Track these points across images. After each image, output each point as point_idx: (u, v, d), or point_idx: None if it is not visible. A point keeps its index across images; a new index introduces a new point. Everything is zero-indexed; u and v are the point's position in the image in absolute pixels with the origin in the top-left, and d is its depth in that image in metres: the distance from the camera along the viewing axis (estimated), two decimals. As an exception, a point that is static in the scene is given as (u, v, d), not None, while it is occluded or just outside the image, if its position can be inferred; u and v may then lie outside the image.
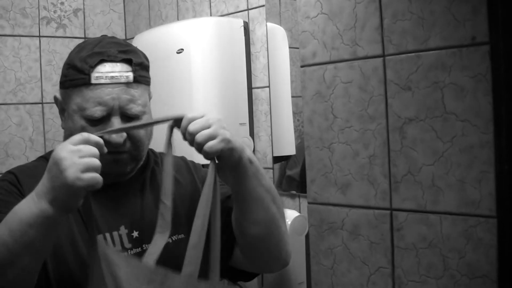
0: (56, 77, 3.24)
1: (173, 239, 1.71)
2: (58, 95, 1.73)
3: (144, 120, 1.68)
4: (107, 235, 1.68)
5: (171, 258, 1.61)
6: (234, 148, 1.52)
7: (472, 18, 1.36)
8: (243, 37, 2.59)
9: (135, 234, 1.70)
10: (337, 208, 1.63)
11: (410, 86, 1.47)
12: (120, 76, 1.63)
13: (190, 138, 1.50)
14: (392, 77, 1.50)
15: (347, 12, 1.58)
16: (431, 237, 1.46)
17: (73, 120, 1.65)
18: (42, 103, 3.20)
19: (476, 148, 1.37)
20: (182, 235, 1.69)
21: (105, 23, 3.43)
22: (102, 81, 1.62)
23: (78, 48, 1.70)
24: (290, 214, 2.34)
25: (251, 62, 2.61)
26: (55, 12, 3.26)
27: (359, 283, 1.60)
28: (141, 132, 1.69)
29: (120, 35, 3.47)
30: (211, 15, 2.81)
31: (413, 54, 1.46)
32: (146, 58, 1.74)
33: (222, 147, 1.49)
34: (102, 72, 1.62)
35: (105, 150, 1.44)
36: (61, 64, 3.03)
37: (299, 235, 2.32)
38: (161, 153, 1.87)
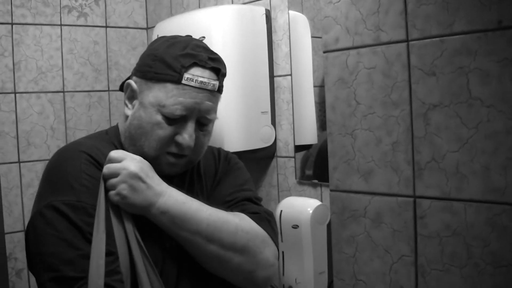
0: (78, 66, 3.24)
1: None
2: (133, 82, 1.74)
3: (211, 126, 1.76)
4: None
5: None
6: (132, 204, 1.59)
7: (498, 2, 1.33)
8: (265, 25, 2.57)
9: None
10: (360, 196, 1.61)
11: (434, 71, 1.45)
12: (208, 83, 1.68)
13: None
14: (416, 63, 1.48)
15: (371, -3, 1.57)
16: (455, 225, 1.44)
17: (147, 112, 1.67)
18: (63, 91, 3.20)
19: (501, 134, 1.35)
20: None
21: (127, 12, 3.42)
22: (192, 84, 1.66)
23: (167, 44, 1.73)
24: (312, 203, 2.33)
25: (273, 50, 2.60)
26: (76, 0, 3.26)
27: (382, 272, 1.58)
28: (206, 139, 1.76)
29: (142, 23, 3.46)
30: (232, 3, 2.79)
31: (437, 39, 1.44)
32: (226, 67, 1.78)
33: (116, 200, 1.59)
34: (193, 75, 1.66)
35: None
36: (82, 53, 3.05)
37: (320, 224, 2.30)
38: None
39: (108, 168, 1.59)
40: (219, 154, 1.91)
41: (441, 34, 1.44)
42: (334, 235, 1.69)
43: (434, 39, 1.45)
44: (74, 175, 1.61)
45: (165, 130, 1.67)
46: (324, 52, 1.66)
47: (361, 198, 1.61)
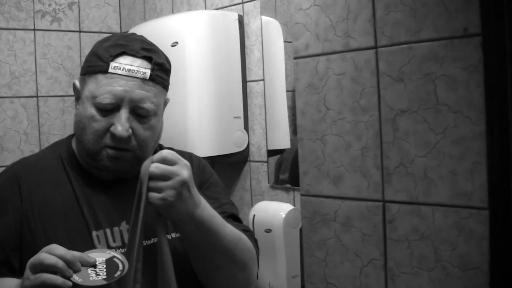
0: (51, 71, 3.23)
1: (172, 236, 1.72)
2: (77, 82, 1.74)
3: (154, 121, 1.68)
4: (108, 230, 1.68)
5: (171, 254, 1.63)
6: (174, 211, 1.54)
7: (464, 10, 1.35)
8: (238, 30, 2.59)
9: None
10: (330, 200, 1.62)
11: (402, 77, 1.46)
12: (138, 70, 1.65)
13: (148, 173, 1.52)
14: (385, 69, 1.49)
15: (340, 4, 1.58)
16: (423, 229, 1.45)
17: (84, 107, 1.67)
18: (37, 96, 3.19)
19: (468, 140, 1.36)
20: (178, 234, 1.70)
21: (100, 17, 3.42)
22: (119, 72, 1.64)
23: (104, 39, 1.74)
24: (285, 208, 2.35)
25: (246, 55, 2.61)
26: (49, 5, 3.25)
27: (352, 275, 1.60)
28: (147, 133, 1.70)
29: (115, 28, 3.46)
30: (205, 8, 2.80)
31: (405, 45, 1.46)
32: (169, 62, 1.77)
33: (158, 204, 1.52)
34: (121, 63, 1.64)
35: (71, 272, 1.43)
36: (56, 58, 3.04)
37: (293, 228, 2.32)
38: (170, 148, 1.87)
39: (159, 168, 1.52)
40: (191, 161, 1.86)
41: (409, 41, 1.45)
42: (305, 239, 1.70)
43: (402, 45, 1.46)
44: None
45: (100, 122, 1.65)
46: (295, 58, 1.68)
47: (331, 203, 1.62)
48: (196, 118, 2.47)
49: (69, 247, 1.49)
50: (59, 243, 1.52)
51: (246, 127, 2.59)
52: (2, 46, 3.11)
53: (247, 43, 2.61)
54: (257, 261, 1.80)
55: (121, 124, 1.64)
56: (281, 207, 2.37)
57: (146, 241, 1.68)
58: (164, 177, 1.51)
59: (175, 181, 1.51)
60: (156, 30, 2.62)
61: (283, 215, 2.31)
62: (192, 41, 2.49)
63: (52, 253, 1.42)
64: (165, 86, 1.75)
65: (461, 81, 1.37)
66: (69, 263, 1.42)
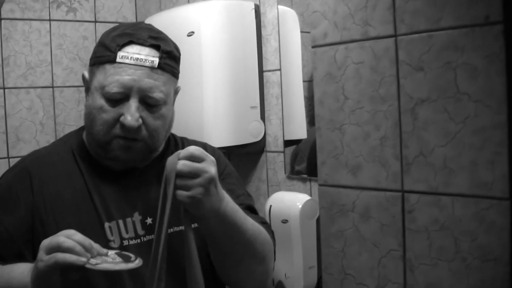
0: (67, 61, 3.23)
1: (174, 229, 1.70)
2: (86, 73, 1.73)
3: (164, 110, 1.67)
4: (120, 221, 1.68)
5: (170, 249, 1.62)
6: (201, 207, 1.50)
7: (486, -3, 1.34)
8: (254, 20, 2.57)
9: (149, 220, 1.71)
10: (348, 190, 1.61)
11: (422, 66, 1.45)
12: (146, 59, 1.63)
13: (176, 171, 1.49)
14: (404, 58, 1.48)
15: (359, -8, 1.57)
16: (443, 220, 1.44)
17: (93, 98, 1.66)
18: (52, 87, 3.19)
19: (489, 129, 1.35)
20: (195, 224, 1.68)
21: (116, 7, 3.41)
22: (127, 61, 1.62)
23: (112, 29, 1.73)
24: (301, 198, 2.34)
25: (262, 45, 2.60)
26: (65, -5, 3.25)
27: (370, 266, 1.59)
28: (158, 122, 1.68)
29: (131, 18, 3.46)
30: (222, -2, 2.79)
31: (425, 34, 1.44)
32: (178, 50, 1.74)
33: (187, 202, 1.49)
34: (128, 52, 1.63)
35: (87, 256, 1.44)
36: (71, 48, 3.04)
37: (309, 219, 2.31)
38: (183, 138, 1.86)
39: (187, 166, 1.48)
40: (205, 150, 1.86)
41: (429, 29, 1.44)
42: (322, 229, 1.69)
43: (422, 34, 1.45)
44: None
45: (109, 113, 1.64)
46: (313, 47, 1.67)
47: (350, 193, 1.61)
48: (212, 108, 2.46)
49: None
50: None
51: (263, 117, 2.58)
52: (18, 36, 3.10)
53: (263, 32, 2.59)
54: (274, 253, 1.79)
55: (131, 114, 1.63)
56: (298, 197, 2.36)
57: (169, 229, 1.67)
58: (193, 174, 1.48)
59: (204, 178, 1.48)
60: (171, 20, 2.61)
61: (300, 206, 2.30)
62: (208, 30, 2.48)
63: (71, 238, 1.42)
64: (174, 74, 1.73)
65: (482, 69, 1.35)
66: (86, 248, 1.42)
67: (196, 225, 1.67)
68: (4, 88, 3.07)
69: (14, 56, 3.10)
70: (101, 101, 1.64)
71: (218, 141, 2.42)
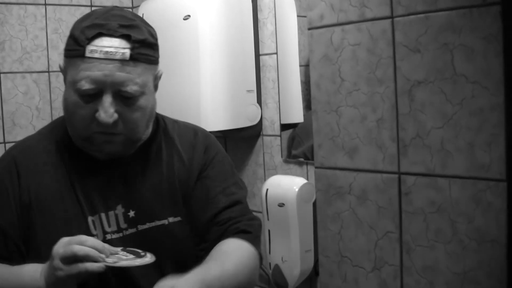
0: (63, 46, 3.20)
1: (170, 221, 1.68)
2: (62, 64, 1.65)
3: (142, 101, 1.61)
4: (103, 215, 1.65)
5: (167, 240, 1.61)
6: None
7: (483, -22, 1.34)
8: (251, 4, 2.56)
9: (131, 213, 1.67)
10: (345, 173, 1.61)
11: (419, 48, 1.44)
12: (116, 52, 1.55)
13: None
14: (401, 39, 1.48)
15: (355, -27, 1.56)
16: (440, 202, 1.44)
17: (68, 93, 1.60)
18: (48, 71, 3.18)
19: (486, 111, 1.35)
20: (179, 218, 1.66)
21: (112, -9, 3.40)
22: (96, 55, 1.54)
23: (83, 17, 1.64)
24: (298, 182, 2.33)
25: (259, 29, 2.59)
26: (61, -21, 3.24)
27: (367, 248, 1.59)
28: (136, 114, 1.62)
29: (127, 3, 3.44)
30: (218, -19, 2.78)
31: (422, 15, 1.44)
32: (153, 35, 1.66)
33: None
34: (97, 46, 1.55)
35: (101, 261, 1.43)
36: (67, 33, 3.01)
37: (306, 202, 2.30)
38: (175, 122, 1.82)
39: None
40: (196, 138, 1.79)
41: (426, 11, 1.43)
42: (319, 212, 1.69)
43: (419, 15, 1.44)
44: None
45: (84, 109, 1.57)
46: (309, 29, 1.66)
47: (346, 175, 1.61)
48: (209, 92, 2.45)
49: (66, 234, 1.48)
50: (56, 230, 1.54)
51: (259, 101, 2.57)
52: (13, 21, 3.09)
53: (260, 16, 2.58)
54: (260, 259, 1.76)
55: (104, 110, 1.56)
56: (295, 181, 2.35)
57: (141, 226, 1.66)
58: None
59: None
60: (167, 4, 2.60)
61: (297, 189, 2.30)
62: (205, 14, 2.46)
63: (84, 244, 1.43)
64: (151, 61, 1.64)
65: (479, 51, 1.35)
66: (100, 251, 1.43)
67: (179, 218, 1.66)
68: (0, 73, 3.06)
69: (10, 40, 3.08)
70: (75, 97, 1.58)
71: (215, 124, 2.41)
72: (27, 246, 1.54)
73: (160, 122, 1.78)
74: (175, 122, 1.82)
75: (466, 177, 1.39)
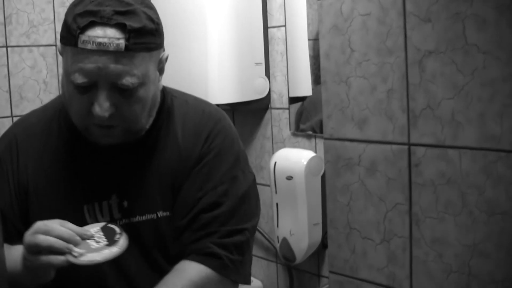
0: (70, 19, 3.20)
1: (159, 215, 1.64)
2: (59, 47, 1.56)
3: (142, 91, 1.52)
4: (96, 204, 1.61)
5: (155, 234, 1.60)
6: None
7: None
8: (259, -25, 2.55)
9: (126, 204, 1.63)
10: (354, 144, 1.60)
11: (430, 17, 1.43)
12: (110, 43, 1.44)
13: None
14: (412, 9, 1.46)
15: None
16: (450, 173, 1.43)
17: (64, 81, 1.55)
18: (55, 45, 3.17)
19: (498, 82, 1.33)
20: (168, 213, 1.63)
21: (119, -37, 3.37)
22: (89, 46, 1.43)
23: (77, 1, 1.51)
24: (306, 155, 2.33)
25: (267, 1, 2.57)
26: (67, -48, 3.22)
27: (376, 220, 1.58)
28: (135, 106, 1.53)
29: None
30: (226, -46, 2.76)
31: (433, -17, 1.42)
32: (153, 19, 1.52)
33: None
34: (90, 36, 1.44)
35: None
36: (74, 5, 2.99)
37: (314, 176, 2.30)
38: (183, 103, 1.72)
39: None
40: (203, 119, 1.69)
41: (437, -21, 1.42)
42: (328, 184, 1.68)
43: (430, -16, 1.43)
44: None
45: (80, 101, 1.50)
46: (318, -1, 1.65)
47: (356, 146, 1.60)
48: (217, 65, 2.44)
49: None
50: (51, 216, 1.48)
51: (267, 74, 2.56)
52: (20, -6, 3.08)
53: (268, -12, 2.57)
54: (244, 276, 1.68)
55: (99, 104, 1.48)
56: (303, 154, 2.35)
57: (133, 218, 1.63)
58: None
59: None
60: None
61: (305, 162, 2.29)
62: (212, -14, 2.45)
63: (49, 234, 1.39)
64: (151, 49, 1.52)
65: (491, 21, 1.33)
66: (66, 240, 1.40)
67: (167, 213, 1.62)
68: (6, 47, 3.04)
69: (17, 14, 3.07)
70: (70, 88, 1.50)
71: (223, 97, 2.41)
72: (27, 227, 1.48)
73: (166, 103, 1.69)
74: (186, 102, 1.73)
75: (476, 148, 1.38)
